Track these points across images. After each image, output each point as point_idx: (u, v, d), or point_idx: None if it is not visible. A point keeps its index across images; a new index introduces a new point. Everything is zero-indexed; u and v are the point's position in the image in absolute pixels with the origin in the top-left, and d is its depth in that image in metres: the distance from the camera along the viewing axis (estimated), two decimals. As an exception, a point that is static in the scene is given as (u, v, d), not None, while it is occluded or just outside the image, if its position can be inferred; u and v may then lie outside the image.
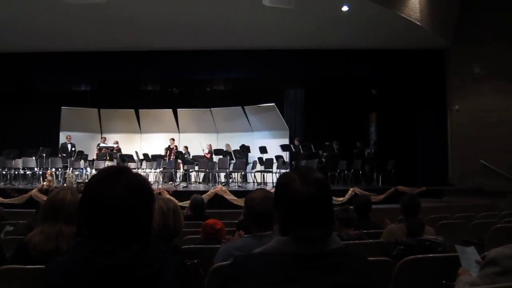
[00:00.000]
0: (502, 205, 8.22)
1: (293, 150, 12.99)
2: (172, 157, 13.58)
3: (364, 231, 3.64)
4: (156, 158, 12.78)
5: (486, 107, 11.94)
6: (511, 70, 11.52)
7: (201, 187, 11.88)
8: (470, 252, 2.30)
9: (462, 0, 12.33)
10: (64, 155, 12.75)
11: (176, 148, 14.12)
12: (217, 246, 2.67)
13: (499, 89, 11.83)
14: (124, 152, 13.51)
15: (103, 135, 14.98)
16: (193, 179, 13.58)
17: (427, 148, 13.07)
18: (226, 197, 9.35)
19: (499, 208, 7.83)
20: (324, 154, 12.94)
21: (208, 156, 13.77)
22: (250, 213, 2.28)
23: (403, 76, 13.04)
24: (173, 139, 14.34)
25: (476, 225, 4.76)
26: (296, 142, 13.23)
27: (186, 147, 14.23)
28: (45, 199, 2.55)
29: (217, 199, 9.30)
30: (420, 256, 2.56)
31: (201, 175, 13.37)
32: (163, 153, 13.81)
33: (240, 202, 8.99)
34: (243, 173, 12.73)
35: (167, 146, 14.19)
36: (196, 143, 14.45)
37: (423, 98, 13.23)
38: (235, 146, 13.68)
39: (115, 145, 13.88)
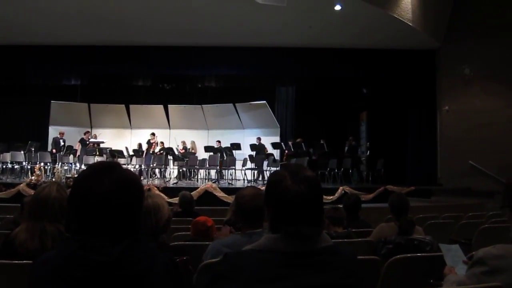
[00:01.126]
0: (490, 206, 8.30)
1: (292, 150, 12.96)
2: (151, 151, 13.45)
3: (353, 229, 3.65)
4: (137, 152, 12.74)
5: (476, 108, 12.05)
6: (500, 71, 11.63)
7: (191, 183, 11.85)
8: (454, 249, 2.33)
9: (454, 1, 12.41)
10: (55, 150, 12.64)
11: (157, 144, 13.94)
12: (207, 243, 2.66)
13: (488, 91, 11.94)
14: (113, 147, 13.39)
15: (88, 130, 14.82)
16: (182, 176, 13.52)
17: (416, 148, 13.18)
18: (216, 194, 9.34)
19: (487, 209, 7.92)
20: (315, 152, 12.97)
21: (182, 151, 13.72)
22: (241, 210, 2.27)
23: (394, 76, 13.12)
24: (153, 134, 14.07)
25: (464, 225, 4.80)
26: (290, 143, 13.25)
27: (162, 143, 14.09)
28: (31, 194, 2.52)
29: (207, 196, 9.29)
30: (409, 255, 2.58)
31: (192, 171, 13.33)
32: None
33: (230, 199, 8.98)
34: (233, 170, 12.72)
35: (147, 141, 14.04)
36: (187, 140, 14.43)
37: (414, 98, 13.33)
38: (226, 143, 13.66)
39: (100, 140, 13.66)
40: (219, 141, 14.00)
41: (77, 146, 13.31)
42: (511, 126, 11.37)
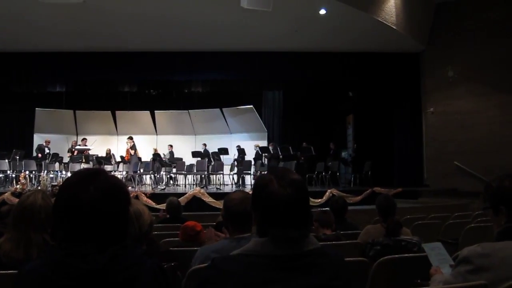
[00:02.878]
0: (475, 206, 8.40)
1: (271, 153, 13.00)
2: (127, 157, 13.20)
3: (342, 232, 3.68)
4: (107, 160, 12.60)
5: (460, 110, 12.21)
6: (484, 73, 11.80)
7: (179, 189, 11.79)
8: (438, 247, 2.35)
9: (437, 5, 12.59)
10: (40, 155, 12.47)
11: (131, 148, 13.50)
12: (195, 248, 2.65)
13: (472, 92, 12.11)
14: (100, 154, 13.26)
15: (79, 138, 14.66)
16: (171, 182, 13.45)
17: (403, 150, 13.30)
18: (204, 199, 9.31)
19: (473, 208, 8.00)
20: (302, 155, 13.01)
21: (130, 155, 13.25)
22: (229, 213, 2.26)
23: (380, 79, 13.25)
24: (130, 138, 13.58)
25: (450, 225, 4.85)
26: (270, 147, 13.30)
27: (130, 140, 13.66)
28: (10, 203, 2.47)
29: (195, 201, 9.25)
30: (396, 256, 2.59)
31: (180, 177, 13.26)
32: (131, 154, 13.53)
33: (219, 204, 8.96)
34: (221, 175, 12.70)
35: (128, 146, 13.60)
36: (175, 146, 14.38)
37: (399, 100, 13.47)
38: (213, 148, 13.62)
39: (88, 147, 13.48)
40: (204, 144, 13.98)
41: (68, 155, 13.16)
42: (494, 127, 11.54)
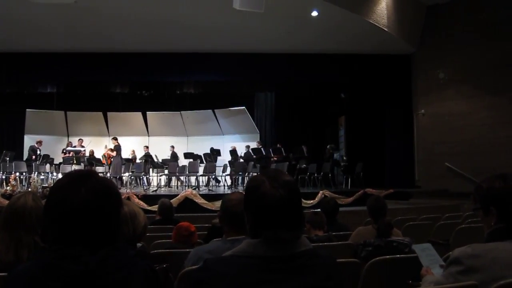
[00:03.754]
0: (466, 206, 8.46)
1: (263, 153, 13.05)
2: (108, 160, 12.95)
3: (333, 233, 3.69)
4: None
5: (451, 112, 12.30)
6: (475, 75, 11.90)
7: (171, 191, 11.75)
8: (428, 248, 2.37)
9: (428, 7, 12.69)
10: (34, 157, 12.36)
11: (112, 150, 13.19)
12: (188, 250, 2.64)
13: (463, 94, 12.20)
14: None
15: (70, 139, 14.58)
16: (162, 183, 13.40)
17: (394, 151, 13.37)
18: (197, 201, 9.28)
19: (463, 209, 8.07)
20: (294, 156, 13.06)
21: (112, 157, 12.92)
22: (227, 214, 2.25)
23: (371, 81, 13.30)
24: (114, 138, 13.22)
25: (441, 226, 4.88)
26: (256, 145, 13.33)
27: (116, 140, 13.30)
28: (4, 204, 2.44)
29: (188, 203, 9.22)
30: (388, 257, 2.60)
31: (172, 178, 13.23)
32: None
33: (211, 205, 8.94)
34: (213, 176, 12.69)
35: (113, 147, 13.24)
36: (165, 147, 14.34)
37: (391, 102, 13.54)
38: (205, 149, 13.60)
39: (82, 149, 13.44)
40: (172, 146, 14.11)
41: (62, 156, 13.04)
42: (485, 129, 11.63)
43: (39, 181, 10.98)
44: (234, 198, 2.27)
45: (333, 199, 5.03)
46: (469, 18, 12.04)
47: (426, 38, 12.76)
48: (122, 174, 12.31)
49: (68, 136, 15.02)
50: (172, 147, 14.19)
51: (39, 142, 13.07)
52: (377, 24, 10.76)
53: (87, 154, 13.14)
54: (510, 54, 11.20)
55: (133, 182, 12.57)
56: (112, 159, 12.72)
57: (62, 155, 13.06)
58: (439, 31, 12.51)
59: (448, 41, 12.29)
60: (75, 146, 13.47)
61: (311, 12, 10.32)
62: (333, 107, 15.21)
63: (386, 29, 11.04)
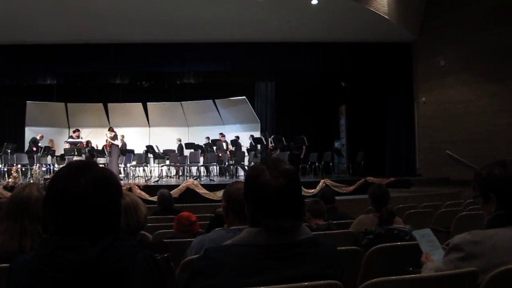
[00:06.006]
0: (467, 194, 8.46)
1: (265, 143, 13.05)
2: (108, 148, 12.72)
3: (334, 221, 3.70)
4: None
5: (452, 99, 12.25)
6: (475, 63, 11.82)
7: (173, 181, 11.78)
8: (427, 233, 2.38)
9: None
10: (35, 148, 12.35)
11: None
12: (190, 240, 2.65)
13: (463, 82, 12.15)
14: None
15: (67, 130, 14.54)
16: (164, 173, 13.41)
17: (395, 140, 13.36)
18: (198, 191, 9.31)
19: (464, 197, 8.07)
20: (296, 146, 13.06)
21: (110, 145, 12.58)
22: (231, 202, 2.25)
23: (372, 69, 13.25)
24: (110, 129, 12.79)
25: (442, 213, 4.88)
26: (263, 137, 13.32)
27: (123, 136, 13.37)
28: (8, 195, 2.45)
29: (189, 193, 9.25)
30: (388, 244, 2.61)
31: (172, 169, 13.25)
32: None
33: (212, 195, 8.97)
34: (214, 166, 12.71)
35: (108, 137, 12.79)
36: (166, 137, 14.34)
37: (391, 90, 13.50)
38: (206, 139, 13.62)
39: (80, 140, 13.30)
40: (179, 139, 14.10)
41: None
42: (485, 116, 11.59)
43: (41, 172, 10.99)
44: (239, 187, 2.26)
45: (329, 188, 5.10)
46: (470, 5, 11.93)
47: (427, 25, 12.67)
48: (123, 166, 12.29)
49: (69, 128, 15.02)
50: (179, 139, 14.15)
51: (41, 137, 13.07)
52: (377, 12, 10.69)
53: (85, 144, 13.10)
54: (511, 41, 11.13)
55: (131, 173, 12.57)
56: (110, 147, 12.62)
57: (68, 146, 12.90)
58: (439, 18, 12.40)
59: (448, 29, 12.20)
60: (71, 137, 13.39)
61: (311, 0, 10.25)
62: (334, 96, 15.17)
63: (386, 17, 10.97)
